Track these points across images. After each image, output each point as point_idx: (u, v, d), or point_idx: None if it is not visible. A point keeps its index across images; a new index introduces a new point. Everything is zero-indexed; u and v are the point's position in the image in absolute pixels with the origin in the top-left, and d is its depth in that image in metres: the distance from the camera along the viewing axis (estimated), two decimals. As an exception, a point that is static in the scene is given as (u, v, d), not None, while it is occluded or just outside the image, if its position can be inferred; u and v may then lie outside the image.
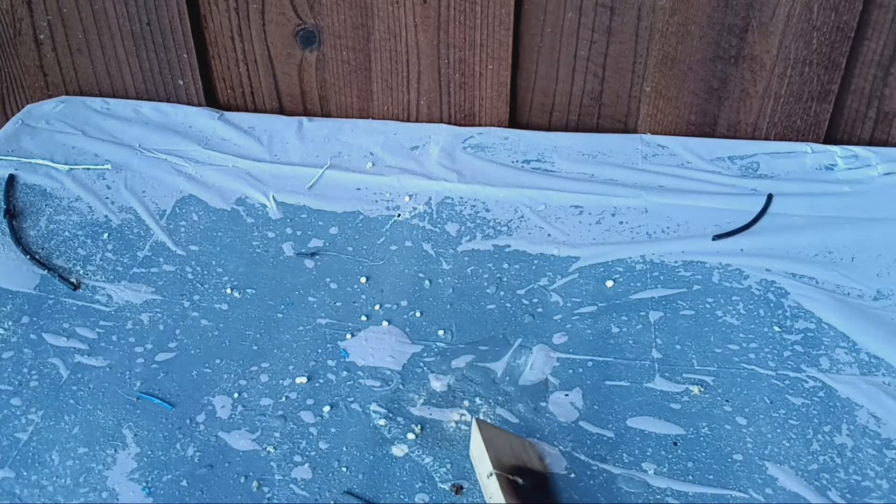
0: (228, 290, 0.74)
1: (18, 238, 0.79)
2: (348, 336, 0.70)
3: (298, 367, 0.67)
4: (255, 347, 0.69)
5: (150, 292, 0.74)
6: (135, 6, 0.89)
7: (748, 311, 0.71)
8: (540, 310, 0.72)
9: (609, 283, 0.74)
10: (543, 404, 0.64)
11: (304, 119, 0.93)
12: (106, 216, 0.82)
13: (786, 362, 0.67)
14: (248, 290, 0.74)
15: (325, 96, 0.93)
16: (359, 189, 0.85)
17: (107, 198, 0.83)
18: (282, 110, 0.94)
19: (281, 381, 0.66)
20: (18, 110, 0.94)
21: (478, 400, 0.64)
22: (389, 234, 0.80)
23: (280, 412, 0.64)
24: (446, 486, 0.59)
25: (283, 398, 0.65)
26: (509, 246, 0.78)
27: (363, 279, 0.75)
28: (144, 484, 0.59)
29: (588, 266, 0.76)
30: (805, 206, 0.81)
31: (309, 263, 0.77)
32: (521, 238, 0.79)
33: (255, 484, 0.59)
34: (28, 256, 0.77)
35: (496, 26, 0.86)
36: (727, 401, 0.65)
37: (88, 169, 0.86)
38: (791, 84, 0.86)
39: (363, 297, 0.74)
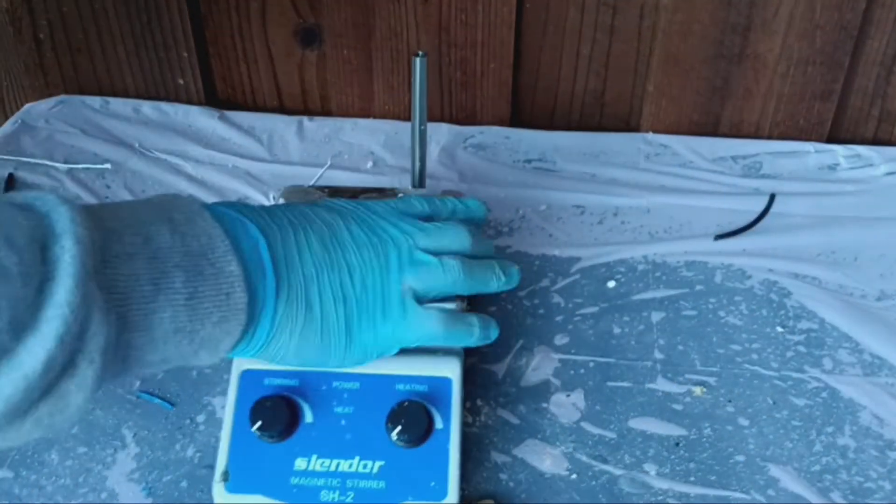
0: (228, 290, 0.74)
1: (18, 238, 0.78)
2: (349, 336, 0.70)
3: (299, 367, 0.67)
4: (256, 348, 0.69)
5: (150, 292, 0.74)
6: (135, 5, 0.88)
7: (751, 311, 0.71)
8: (541, 311, 0.71)
9: (611, 284, 0.74)
10: (545, 405, 0.64)
11: (305, 118, 0.92)
12: (106, 216, 0.81)
13: (788, 363, 0.67)
14: (249, 290, 0.74)
15: (326, 95, 0.93)
16: (359, 188, 0.84)
17: (106, 197, 0.83)
18: (282, 109, 0.94)
19: (281, 382, 0.66)
20: (17, 110, 0.94)
21: (479, 402, 0.64)
22: (390, 233, 0.79)
23: (280, 413, 0.64)
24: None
25: (284, 399, 0.65)
26: (510, 247, 0.77)
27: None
28: (144, 484, 0.59)
29: (590, 266, 0.75)
30: (808, 206, 0.81)
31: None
32: (522, 239, 0.78)
33: (254, 485, 0.59)
34: (27, 256, 0.76)
35: (498, 25, 0.85)
36: (730, 401, 0.64)
37: (88, 168, 0.86)
38: (794, 83, 0.86)
39: (364, 297, 0.73)
